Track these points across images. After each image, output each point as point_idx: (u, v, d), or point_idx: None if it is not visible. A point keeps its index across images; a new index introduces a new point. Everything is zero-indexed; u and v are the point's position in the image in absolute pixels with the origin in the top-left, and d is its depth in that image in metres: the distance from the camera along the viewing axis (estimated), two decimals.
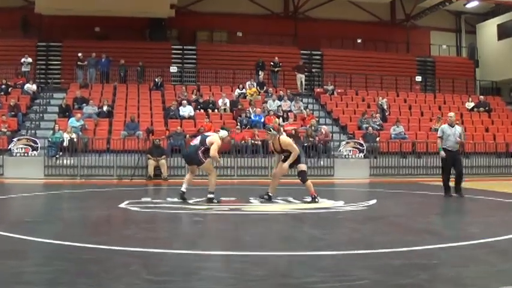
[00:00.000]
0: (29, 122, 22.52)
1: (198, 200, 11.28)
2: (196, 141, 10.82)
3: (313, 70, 30.70)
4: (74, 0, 25.94)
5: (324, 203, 11.13)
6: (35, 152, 19.61)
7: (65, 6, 26.10)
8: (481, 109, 27.26)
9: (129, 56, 27.59)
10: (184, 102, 23.45)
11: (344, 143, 21.94)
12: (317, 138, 21.75)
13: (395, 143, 22.45)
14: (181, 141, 20.46)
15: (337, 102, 26.86)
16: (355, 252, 6.01)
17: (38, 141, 19.78)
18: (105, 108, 22.89)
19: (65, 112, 22.47)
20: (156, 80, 26.16)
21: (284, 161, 11.03)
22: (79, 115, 21.54)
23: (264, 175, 19.45)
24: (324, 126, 22.91)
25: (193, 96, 24.84)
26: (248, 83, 26.61)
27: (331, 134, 22.91)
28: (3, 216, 9.07)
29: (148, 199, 11.91)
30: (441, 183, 12.92)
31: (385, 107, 25.91)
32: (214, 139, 10.74)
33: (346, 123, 24.67)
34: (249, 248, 6.30)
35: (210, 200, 10.55)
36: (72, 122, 21.00)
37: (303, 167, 10.98)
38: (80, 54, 26.06)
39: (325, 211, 9.91)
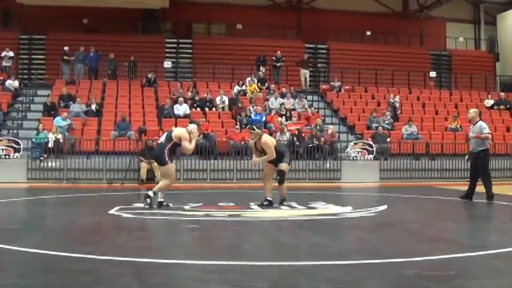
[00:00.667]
0: (11, 122, 22.54)
1: (193, 205, 11.27)
2: (162, 138, 10.74)
3: (319, 65, 30.73)
4: None
5: (330, 208, 11.14)
6: (17, 154, 19.61)
7: None
8: (502, 107, 27.24)
9: (119, 50, 27.60)
10: (180, 100, 23.45)
11: (352, 143, 21.93)
12: (323, 138, 21.74)
13: (408, 144, 22.44)
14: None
15: (344, 100, 26.87)
16: (364, 262, 6.00)
17: (20, 142, 19.77)
18: (93, 106, 22.89)
19: (50, 111, 22.48)
20: (149, 76, 26.17)
21: (271, 162, 11.28)
22: (65, 114, 21.53)
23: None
24: (330, 126, 22.92)
25: (189, 94, 24.85)
26: (248, 79, 26.62)
27: (337, 134, 22.90)
28: None
29: (141, 205, 11.90)
30: (457, 188, 12.97)
31: (397, 105, 25.91)
32: (180, 132, 10.67)
33: (354, 123, 24.67)
34: (249, 258, 6.30)
35: (145, 198, 10.63)
36: (58, 121, 21.00)
37: (283, 166, 11.29)
38: (66, 48, 26.05)
39: (332, 217, 9.90)
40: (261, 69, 27.59)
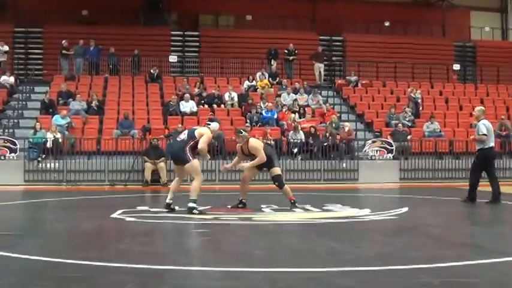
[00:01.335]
0: (6, 120, 22.63)
1: (202, 208, 11.30)
2: (183, 135, 10.79)
3: (334, 58, 30.67)
4: None
5: (346, 211, 11.14)
6: (13, 154, 19.71)
7: None
8: None
9: (121, 43, 27.67)
10: (186, 96, 23.48)
11: (370, 142, 21.90)
12: (339, 136, 21.71)
13: (430, 142, 22.37)
14: None
15: (361, 95, 26.81)
16: (384, 268, 5.99)
17: (16, 142, 19.88)
18: (94, 103, 22.96)
19: (48, 108, 22.57)
20: (152, 71, 26.23)
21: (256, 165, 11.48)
22: (64, 112, 21.63)
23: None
24: (346, 123, 22.88)
25: (196, 90, 24.88)
26: (259, 74, 26.62)
27: (354, 132, 22.86)
28: None
29: (145, 208, 11.93)
30: (483, 189, 12.98)
31: (418, 100, 25.83)
32: (205, 131, 10.74)
33: (372, 120, 24.63)
34: (260, 264, 6.30)
35: (190, 210, 10.40)
36: (57, 119, 21.09)
37: (277, 170, 11.43)
38: (64, 42, 26.14)
39: (349, 221, 9.90)
40: (272, 63, 27.57)
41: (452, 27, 33.44)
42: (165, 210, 10.69)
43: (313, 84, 27.23)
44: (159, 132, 21.23)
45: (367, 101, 26.32)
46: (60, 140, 20.04)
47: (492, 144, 12.94)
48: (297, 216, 10.46)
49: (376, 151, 21.59)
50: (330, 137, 21.39)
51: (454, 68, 30.31)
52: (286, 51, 28.14)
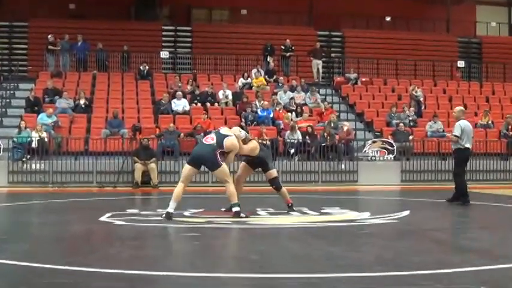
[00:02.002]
0: None
1: (194, 211, 11.29)
2: (211, 140, 10.60)
3: (333, 55, 30.68)
4: None
5: (345, 214, 11.14)
6: None
7: None
8: None
9: (110, 38, 27.66)
10: (178, 94, 23.47)
11: (370, 142, 21.93)
12: (337, 137, 21.72)
13: (433, 142, 22.41)
14: (175, 141, 20.49)
15: (361, 94, 26.85)
16: (385, 274, 5.99)
17: (0, 142, 19.83)
18: (82, 101, 22.94)
19: (33, 106, 22.54)
20: (143, 68, 26.19)
21: (248, 163, 11.45)
22: (50, 110, 21.58)
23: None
24: (345, 123, 22.89)
25: (189, 87, 24.87)
26: (254, 71, 26.62)
27: (354, 132, 22.88)
28: None
29: (135, 211, 11.92)
30: (489, 191, 13.09)
31: (420, 98, 25.86)
32: (234, 144, 10.60)
33: (372, 119, 24.67)
34: (255, 269, 6.30)
35: (238, 215, 10.34)
36: (42, 118, 21.06)
37: (274, 173, 11.41)
38: (50, 37, 26.10)
39: (348, 224, 9.91)
40: (268, 59, 27.58)
41: (457, 22, 33.46)
42: (162, 217, 10.27)
43: (311, 82, 27.25)
44: (149, 131, 21.21)
45: (367, 99, 26.35)
46: (46, 140, 20.00)
47: (468, 145, 13.40)
48: (294, 219, 10.45)
49: (377, 152, 21.60)
50: (329, 137, 21.40)
51: (459, 65, 30.33)
52: (282, 47, 28.15)
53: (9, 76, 26.23)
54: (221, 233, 9.18)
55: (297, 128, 21.65)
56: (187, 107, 23.27)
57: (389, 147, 21.62)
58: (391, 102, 25.31)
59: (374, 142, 21.94)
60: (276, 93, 25.03)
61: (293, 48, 28.26)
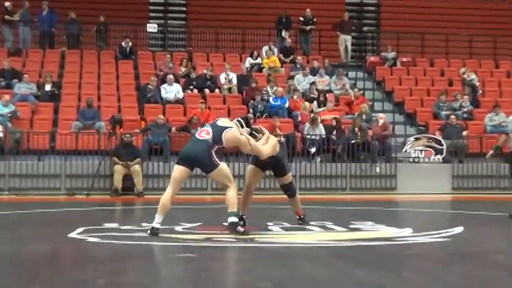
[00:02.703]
0: None
1: (188, 225, 11.24)
2: (206, 134, 10.45)
3: (365, 29, 30.61)
4: None
5: (381, 231, 11.13)
6: None
7: None
8: None
9: (84, 7, 27.71)
10: (169, 78, 23.47)
11: (412, 139, 21.87)
12: (370, 132, 21.68)
13: (493, 140, 22.27)
14: (164, 138, 20.46)
15: (401, 78, 26.79)
16: None
17: None
18: (47, 87, 22.96)
19: None
20: (123, 44, 26.17)
21: (258, 165, 11.36)
22: (7, 97, 21.64)
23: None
24: (381, 115, 22.84)
25: (182, 69, 24.88)
26: (265, 48, 26.60)
27: (392, 126, 22.82)
28: None
29: (114, 225, 11.91)
30: None
31: (476, 83, 25.74)
32: (235, 135, 10.46)
33: (414, 110, 24.62)
34: None
35: (233, 227, 10.28)
36: None
37: (289, 177, 11.53)
38: (7, 4, 26.13)
39: (385, 244, 9.87)
40: (283, 34, 27.56)
41: None
42: (147, 234, 10.21)
43: (338, 63, 27.24)
44: (133, 125, 21.23)
45: (408, 85, 26.30)
46: (1, 135, 20.02)
47: None
48: (315, 237, 10.44)
49: (421, 151, 21.55)
50: (359, 133, 21.35)
51: None
52: (301, 19, 28.16)
53: None
54: (222, 253, 9.17)
55: (319, 120, 21.60)
56: (181, 94, 23.27)
57: (437, 146, 21.55)
58: (440, 89, 25.29)
59: (417, 139, 21.86)
60: (292, 77, 25.01)
61: (315, 20, 28.25)
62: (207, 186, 19.70)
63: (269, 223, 11.70)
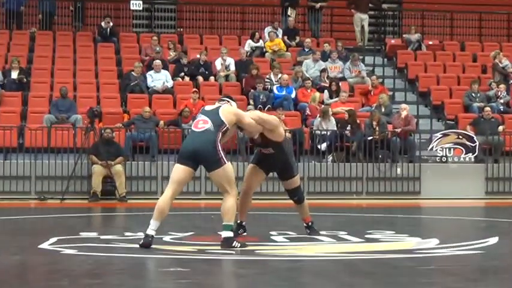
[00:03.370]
0: None
1: (179, 235, 11.28)
2: (204, 124, 10.31)
3: (385, 6, 30.61)
4: None
5: (402, 242, 11.15)
6: None
7: None
8: None
9: None
10: (156, 63, 23.48)
11: (439, 135, 21.89)
12: (391, 127, 21.69)
13: None
14: (151, 133, 20.48)
15: (426, 64, 26.80)
16: None
17: None
18: (14, 74, 22.99)
19: None
20: (103, 24, 26.19)
21: (259, 164, 11.35)
22: None
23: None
24: (403, 106, 22.84)
25: (172, 54, 24.90)
26: (268, 29, 26.62)
27: (415, 120, 22.85)
28: None
29: (93, 234, 11.93)
30: None
31: (510, 70, 25.71)
32: (233, 111, 10.42)
33: (442, 101, 24.63)
34: None
35: (229, 243, 10.09)
36: None
37: (297, 181, 11.50)
38: None
39: (406, 256, 9.89)
40: (289, 13, 27.58)
41: None
42: (139, 244, 10.15)
43: (353, 47, 27.27)
44: (114, 118, 21.25)
45: (434, 71, 26.32)
46: None
47: None
48: (326, 248, 10.46)
49: (449, 150, 21.56)
50: (377, 128, 21.38)
51: None
52: None
53: None
54: (218, 267, 9.20)
55: (330, 113, 21.62)
56: (170, 83, 23.28)
57: (469, 143, 21.57)
58: (472, 77, 25.28)
59: (445, 136, 21.89)
60: (300, 63, 25.02)
61: None
62: (200, 190, 19.72)
63: (272, 232, 11.73)
